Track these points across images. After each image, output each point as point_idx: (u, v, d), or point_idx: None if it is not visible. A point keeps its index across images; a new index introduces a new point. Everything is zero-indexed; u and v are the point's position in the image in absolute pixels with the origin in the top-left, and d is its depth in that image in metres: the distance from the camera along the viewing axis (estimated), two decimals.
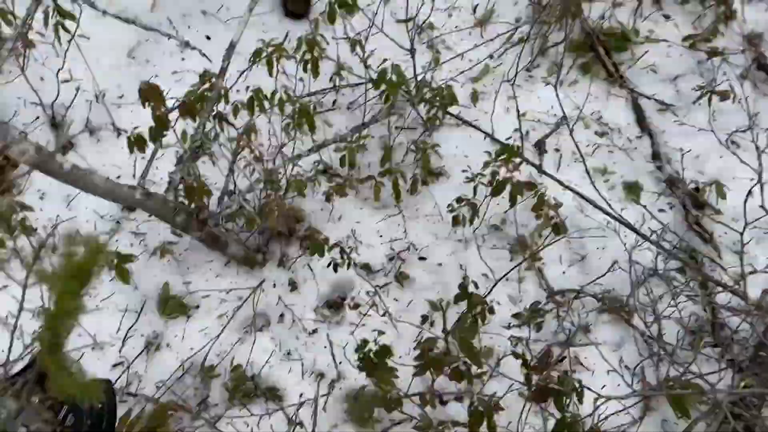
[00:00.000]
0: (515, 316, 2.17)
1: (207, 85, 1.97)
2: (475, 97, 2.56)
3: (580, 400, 1.63)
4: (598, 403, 1.62)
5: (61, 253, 0.58)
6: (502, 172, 2.13)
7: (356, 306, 2.05)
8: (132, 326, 2.14)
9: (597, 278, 2.23)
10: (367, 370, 1.80)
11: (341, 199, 2.29)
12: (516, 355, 1.75)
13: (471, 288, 1.94)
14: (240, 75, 2.34)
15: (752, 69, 2.75)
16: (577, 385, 1.59)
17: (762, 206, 1.84)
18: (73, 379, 0.58)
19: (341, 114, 2.69)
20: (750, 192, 1.86)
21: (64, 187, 1.77)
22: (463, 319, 1.84)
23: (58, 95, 2.47)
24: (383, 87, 2.26)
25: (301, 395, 2.01)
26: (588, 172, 2.23)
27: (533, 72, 2.83)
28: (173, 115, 1.88)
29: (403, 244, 2.33)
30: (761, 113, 2.49)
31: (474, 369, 1.83)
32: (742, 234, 1.91)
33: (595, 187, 2.18)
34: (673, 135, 2.61)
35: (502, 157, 2.12)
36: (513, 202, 2.06)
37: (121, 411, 1.86)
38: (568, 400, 1.61)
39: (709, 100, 2.47)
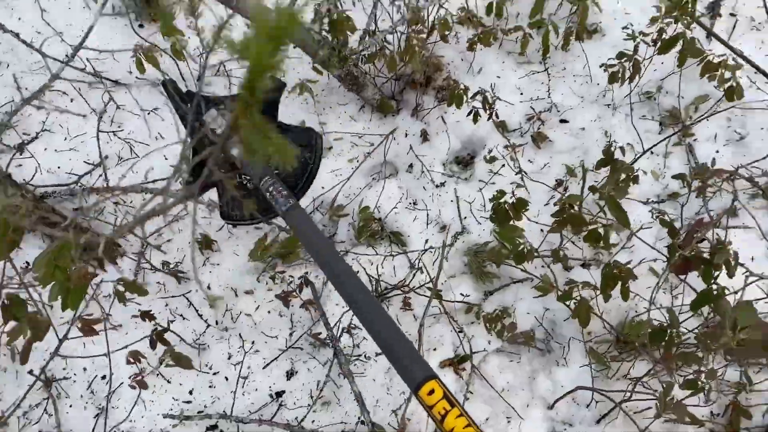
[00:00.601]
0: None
1: None
2: None
3: (731, 275, 1.53)
4: (750, 280, 1.52)
5: (253, 19, 0.54)
6: (670, 31, 1.92)
7: (492, 159, 1.98)
8: None
9: (755, 161, 2.03)
10: (499, 221, 1.77)
11: (484, 50, 2.16)
12: (663, 222, 1.64)
13: (617, 154, 1.82)
14: None
15: None
16: (732, 258, 1.48)
17: None
18: (271, 142, 0.57)
19: None
20: None
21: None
22: (608, 183, 1.74)
23: None
24: None
25: (426, 242, 2.04)
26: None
27: None
28: None
29: (544, 104, 2.20)
30: None
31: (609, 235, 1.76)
32: None
33: None
34: None
35: (673, 14, 1.90)
36: (682, 61, 1.85)
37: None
38: (717, 273, 1.51)
39: None
